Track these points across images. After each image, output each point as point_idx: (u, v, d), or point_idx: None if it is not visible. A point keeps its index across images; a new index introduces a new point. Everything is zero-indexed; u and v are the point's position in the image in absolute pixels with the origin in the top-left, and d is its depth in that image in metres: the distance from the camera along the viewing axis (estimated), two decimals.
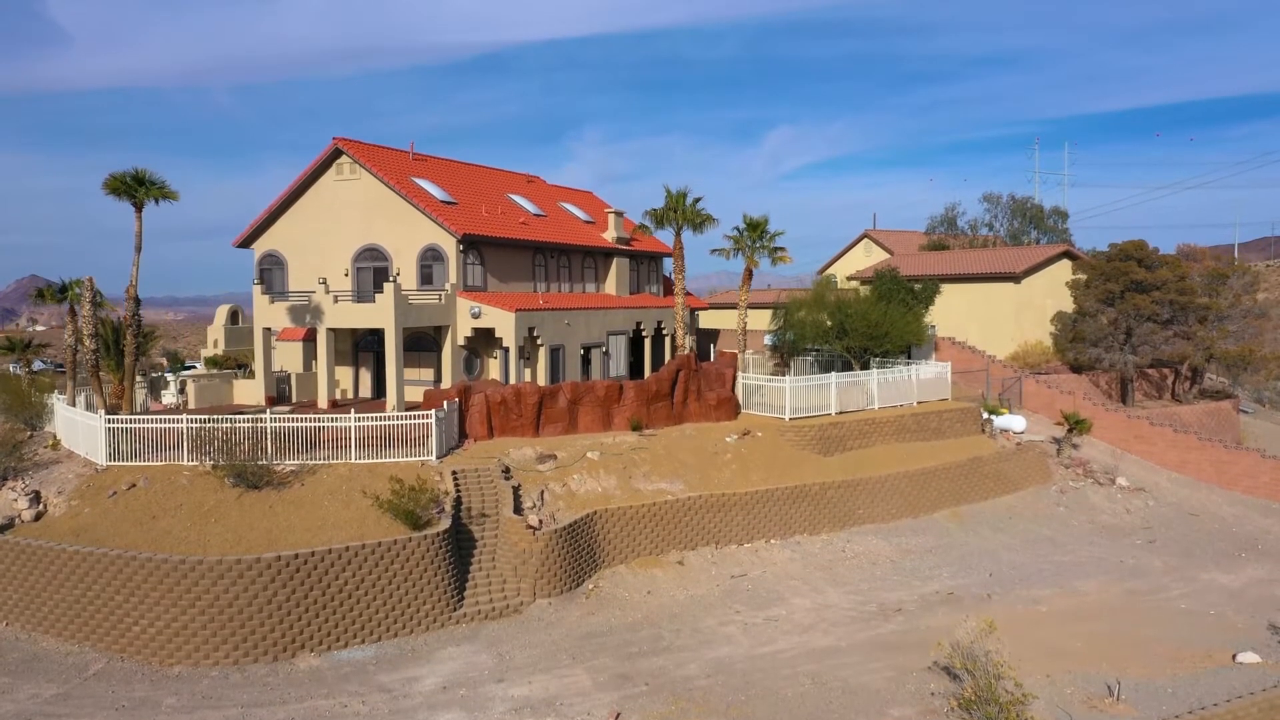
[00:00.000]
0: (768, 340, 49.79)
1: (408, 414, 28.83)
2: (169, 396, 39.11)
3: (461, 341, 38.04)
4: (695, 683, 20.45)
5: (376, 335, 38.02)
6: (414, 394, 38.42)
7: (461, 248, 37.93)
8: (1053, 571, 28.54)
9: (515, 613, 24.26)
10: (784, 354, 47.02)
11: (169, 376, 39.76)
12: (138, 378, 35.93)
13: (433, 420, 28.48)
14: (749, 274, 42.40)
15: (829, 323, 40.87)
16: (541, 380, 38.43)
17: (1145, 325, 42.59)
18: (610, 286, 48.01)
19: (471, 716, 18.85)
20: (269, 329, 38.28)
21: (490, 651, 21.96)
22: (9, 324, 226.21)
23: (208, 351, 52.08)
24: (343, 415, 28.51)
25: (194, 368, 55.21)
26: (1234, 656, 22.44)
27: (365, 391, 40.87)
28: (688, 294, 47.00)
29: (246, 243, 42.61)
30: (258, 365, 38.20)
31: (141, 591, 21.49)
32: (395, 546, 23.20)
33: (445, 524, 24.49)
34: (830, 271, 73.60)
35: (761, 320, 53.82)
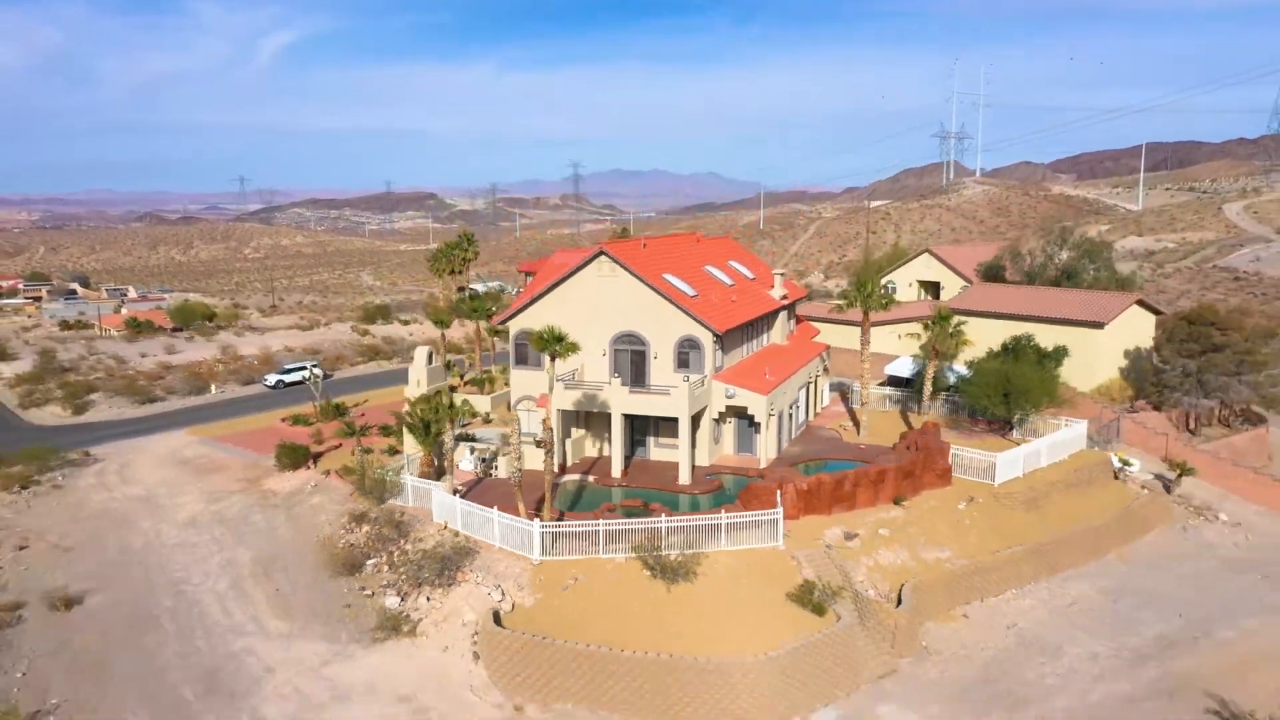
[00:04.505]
0: (905, 371, 58.63)
1: (763, 512, 37.40)
2: (466, 464, 46.44)
3: (715, 417, 46.42)
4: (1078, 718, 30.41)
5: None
6: (663, 456, 46.96)
7: (718, 339, 45.98)
8: (1219, 611, 39.19)
9: (893, 675, 33.65)
10: (929, 384, 56.09)
11: (468, 449, 46.83)
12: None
13: (779, 516, 37.24)
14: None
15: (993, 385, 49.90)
16: (771, 444, 47.26)
17: (1219, 378, 53.71)
18: (776, 337, 56.53)
19: None
20: (563, 412, 45.81)
21: (914, 711, 31.34)
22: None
23: (412, 390, 58.66)
24: (715, 515, 36.99)
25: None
26: None
27: (597, 452, 48.77)
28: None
29: (504, 322, 49.65)
30: (561, 442, 45.74)
31: (665, 680, 30.09)
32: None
33: (846, 617, 33.55)
34: (890, 279, 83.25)
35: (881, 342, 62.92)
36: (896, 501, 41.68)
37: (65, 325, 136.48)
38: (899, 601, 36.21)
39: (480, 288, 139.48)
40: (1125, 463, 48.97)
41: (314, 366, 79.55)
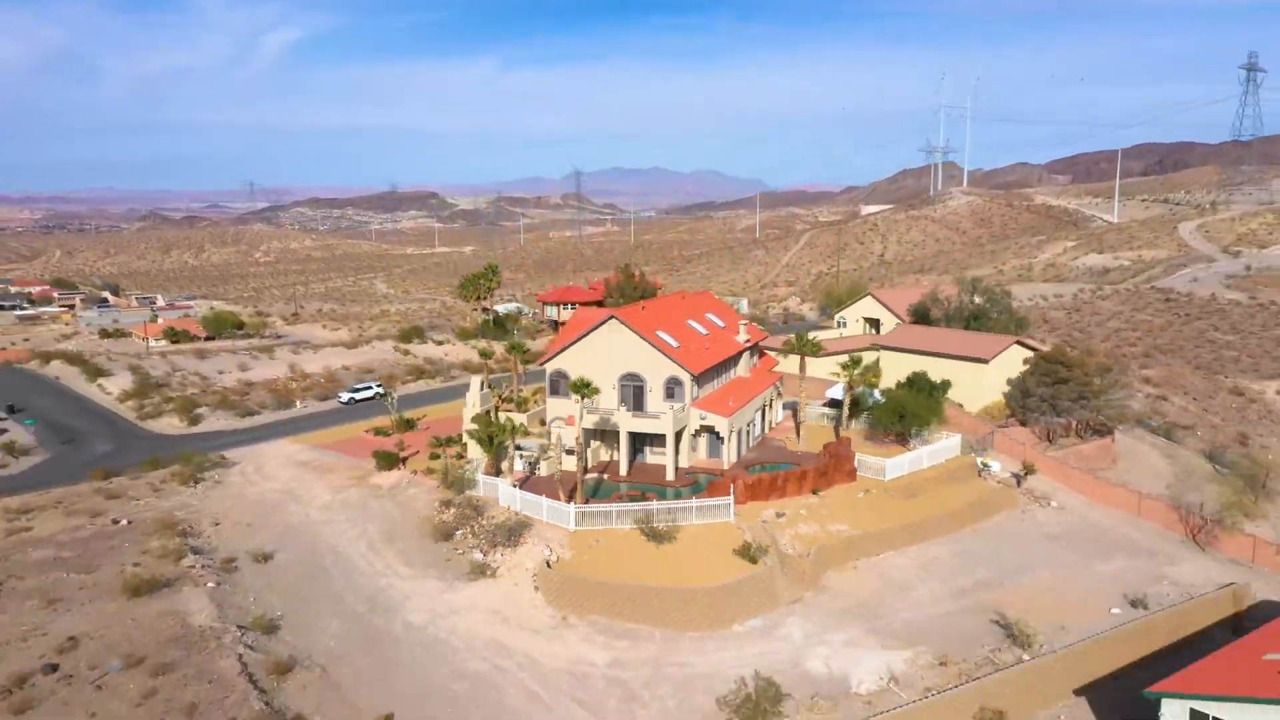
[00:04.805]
0: (837, 394, 77.90)
1: (721, 499, 56.62)
2: (519, 464, 65.74)
3: (692, 432, 65.73)
4: (911, 625, 49.58)
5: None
6: (656, 460, 66.19)
7: (694, 378, 65.24)
8: (1029, 566, 58.38)
9: (799, 602, 52.86)
10: (848, 408, 75.54)
11: (518, 455, 66.05)
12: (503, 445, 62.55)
13: (731, 501, 56.54)
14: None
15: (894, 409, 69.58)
16: (732, 452, 66.56)
17: (1066, 403, 73.03)
18: (741, 370, 75.76)
19: (807, 646, 47.67)
20: (586, 430, 65.02)
21: (809, 621, 50.53)
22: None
23: (469, 410, 77.76)
24: (689, 501, 56.27)
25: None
26: (1110, 610, 52.65)
27: (609, 458, 68.02)
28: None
29: (542, 364, 68.90)
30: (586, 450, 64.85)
31: (653, 601, 49.37)
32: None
33: (771, 565, 52.82)
34: (842, 315, 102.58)
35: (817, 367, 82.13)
36: (814, 492, 60.96)
37: (104, 334, 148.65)
38: (809, 557, 55.43)
39: (501, 309, 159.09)
40: (986, 464, 68.30)
41: (377, 386, 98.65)
